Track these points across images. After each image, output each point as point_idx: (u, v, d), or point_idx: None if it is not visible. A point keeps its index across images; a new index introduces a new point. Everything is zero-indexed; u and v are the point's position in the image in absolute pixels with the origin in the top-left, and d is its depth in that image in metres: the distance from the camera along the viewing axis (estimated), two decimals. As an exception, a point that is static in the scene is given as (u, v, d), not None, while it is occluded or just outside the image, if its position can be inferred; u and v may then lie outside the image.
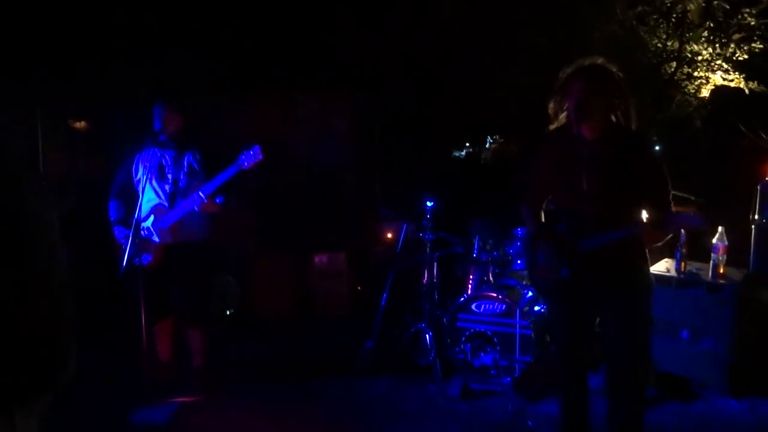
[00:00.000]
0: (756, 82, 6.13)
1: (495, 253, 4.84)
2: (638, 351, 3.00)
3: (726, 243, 4.17)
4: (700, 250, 4.50)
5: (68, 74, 7.23)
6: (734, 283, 4.07)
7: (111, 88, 7.12)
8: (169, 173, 4.17)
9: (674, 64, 6.54)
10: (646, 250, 3.00)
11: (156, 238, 4.13)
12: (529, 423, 3.82)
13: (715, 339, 4.08)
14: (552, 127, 3.10)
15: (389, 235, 6.79)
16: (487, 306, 4.42)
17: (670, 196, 2.90)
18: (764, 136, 5.82)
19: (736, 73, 6.22)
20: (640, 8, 6.38)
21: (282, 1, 7.94)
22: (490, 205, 6.23)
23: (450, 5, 7.64)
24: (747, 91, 6.18)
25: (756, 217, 4.35)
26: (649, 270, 3.06)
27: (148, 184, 4.14)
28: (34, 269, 1.37)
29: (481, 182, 10.04)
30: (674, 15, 6.38)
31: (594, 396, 3.31)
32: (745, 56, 6.15)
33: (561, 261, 2.95)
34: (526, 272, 4.79)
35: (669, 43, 6.51)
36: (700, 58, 6.44)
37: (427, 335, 4.67)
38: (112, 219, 4.25)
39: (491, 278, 4.76)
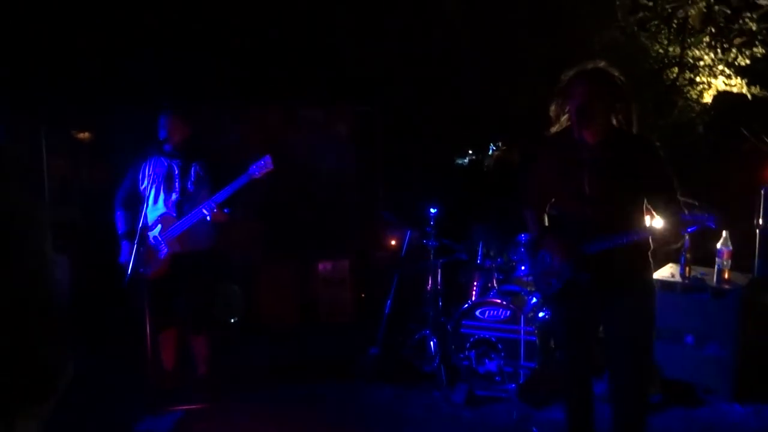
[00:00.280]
0: (758, 87, 6.12)
1: (499, 259, 4.84)
2: (641, 356, 3.00)
3: (730, 248, 4.16)
4: (704, 255, 4.49)
5: (72, 83, 7.26)
6: (739, 288, 4.06)
7: (114, 97, 7.15)
8: (177, 182, 4.18)
9: (676, 69, 6.53)
10: (650, 255, 3.00)
11: (164, 248, 4.13)
12: (534, 429, 3.81)
13: (720, 344, 4.08)
14: (553, 130, 3.10)
15: (393, 242, 6.79)
16: (492, 312, 4.42)
17: (678, 194, 2.87)
18: (767, 140, 5.81)
19: (738, 78, 6.21)
20: (641, 14, 6.38)
21: (284, 9, 7.97)
22: (494, 212, 6.23)
23: (452, 13, 7.67)
24: (749, 96, 6.17)
25: (760, 221, 4.36)
26: (652, 275, 3.06)
27: (154, 194, 4.15)
28: (23, 275, 1.37)
29: (484, 189, 10.04)
30: (675, 21, 6.38)
31: (599, 402, 3.30)
32: (747, 61, 6.14)
33: (566, 264, 2.95)
34: (529, 278, 4.79)
35: (670, 49, 6.51)
36: (701, 63, 6.44)
37: (431, 342, 4.67)
38: (119, 232, 4.25)
39: (495, 284, 4.77)
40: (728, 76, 6.24)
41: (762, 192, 4.35)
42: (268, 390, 4.59)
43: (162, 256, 4.15)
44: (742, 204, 4.71)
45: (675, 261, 4.53)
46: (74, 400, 4.31)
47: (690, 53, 6.40)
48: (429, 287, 4.82)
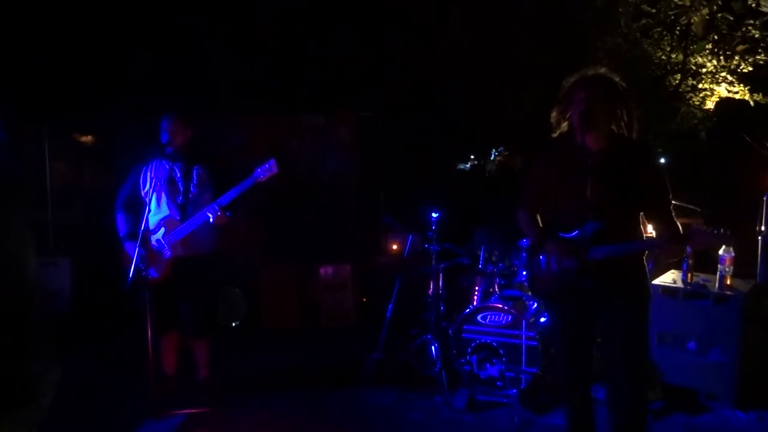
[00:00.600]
0: (760, 94, 6.14)
1: (500, 264, 4.84)
2: (638, 361, 3.00)
3: (732, 254, 4.16)
4: (706, 262, 4.49)
5: (74, 88, 7.30)
6: (741, 294, 4.05)
7: (116, 101, 7.18)
8: (179, 185, 4.19)
9: (679, 76, 6.56)
10: (644, 259, 3.00)
11: (167, 251, 4.13)
12: (536, 435, 3.81)
13: (722, 350, 4.07)
14: (554, 136, 3.10)
15: (394, 247, 6.80)
16: (493, 317, 4.42)
17: (671, 206, 2.92)
18: (769, 147, 5.82)
19: (741, 84, 6.23)
20: (644, 21, 6.41)
21: (288, 15, 8.00)
22: (495, 217, 6.24)
23: (455, 21, 7.69)
24: (752, 102, 6.19)
25: (762, 228, 4.36)
26: (647, 279, 3.06)
27: (156, 197, 4.15)
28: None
29: (486, 194, 10.05)
30: (678, 27, 6.40)
31: (599, 407, 3.30)
32: (750, 68, 6.17)
33: (564, 268, 2.94)
34: (526, 281, 4.79)
35: (673, 56, 6.54)
36: (704, 70, 6.46)
37: (432, 346, 4.67)
38: (121, 234, 4.25)
39: (497, 289, 4.76)
40: (731, 83, 6.26)
41: (765, 199, 4.35)
42: (269, 394, 4.58)
43: (165, 259, 4.15)
44: (744, 210, 4.71)
45: (677, 267, 4.53)
46: (75, 404, 4.33)
47: (693, 60, 6.42)
48: (431, 292, 4.82)
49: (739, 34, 6.08)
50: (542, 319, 4.45)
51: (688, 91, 6.58)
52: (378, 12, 8.11)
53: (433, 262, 4.81)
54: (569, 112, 2.96)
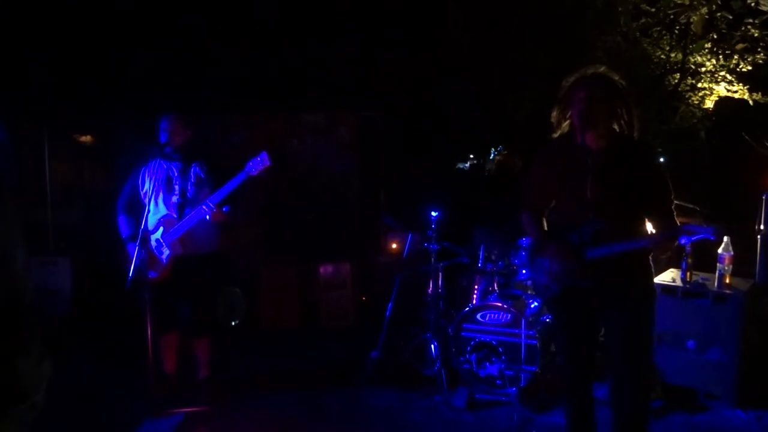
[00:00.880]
0: (760, 93, 6.14)
1: (500, 263, 4.84)
2: (642, 361, 3.00)
3: (732, 253, 4.17)
4: (706, 261, 4.50)
5: (74, 88, 7.30)
6: (740, 293, 4.06)
7: (116, 102, 7.19)
8: (176, 184, 4.20)
9: (678, 75, 6.56)
10: (650, 259, 3.00)
11: (167, 250, 4.14)
12: (535, 433, 3.81)
13: (722, 349, 4.07)
14: (554, 135, 3.10)
15: (394, 246, 6.80)
16: (493, 316, 4.42)
17: (673, 206, 2.92)
18: (768, 146, 5.83)
19: (740, 84, 6.23)
20: (643, 20, 6.41)
21: (289, 15, 8.00)
22: (495, 216, 6.24)
23: (455, 20, 7.69)
24: (751, 102, 6.19)
25: (762, 227, 4.36)
26: (653, 279, 3.06)
27: (155, 196, 4.16)
28: None
29: (485, 193, 10.05)
30: (677, 27, 6.40)
31: (599, 406, 3.30)
32: (749, 67, 6.17)
33: (565, 270, 2.95)
34: (530, 282, 4.79)
35: (672, 55, 6.54)
36: (703, 69, 6.46)
37: (432, 345, 4.67)
38: (123, 236, 4.26)
39: (496, 288, 4.77)
40: (730, 82, 6.26)
41: (764, 198, 4.35)
42: (268, 393, 4.58)
43: (164, 259, 4.15)
44: (743, 209, 4.71)
45: (676, 266, 4.53)
46: (75, 403, 4.34)
47: (692, 59, 6.43)
48: (430, 291, 4.82)
49: (739, 33, 6.08)
50: (542, 318, 4.45)
51: (687, 91, 6.59)
52: (378, 11, 8.12)
53: (433, 261, 4.81)
54: (569, 112, 2.96)
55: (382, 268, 6.61)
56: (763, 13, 5.78)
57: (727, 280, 4.16)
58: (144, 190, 4.21)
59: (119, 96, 7.26)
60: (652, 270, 3.03)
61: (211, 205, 4.02)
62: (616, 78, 2.93)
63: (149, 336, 3.96)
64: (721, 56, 6.28)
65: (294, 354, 5.54)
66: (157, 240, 4.17)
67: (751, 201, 4.52)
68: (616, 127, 2.92)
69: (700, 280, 4.27)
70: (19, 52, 6.75)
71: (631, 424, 3.01)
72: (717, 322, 4.09)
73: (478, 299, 4.86)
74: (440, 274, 4.90)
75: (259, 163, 4.03)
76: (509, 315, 4.37)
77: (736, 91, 6.28)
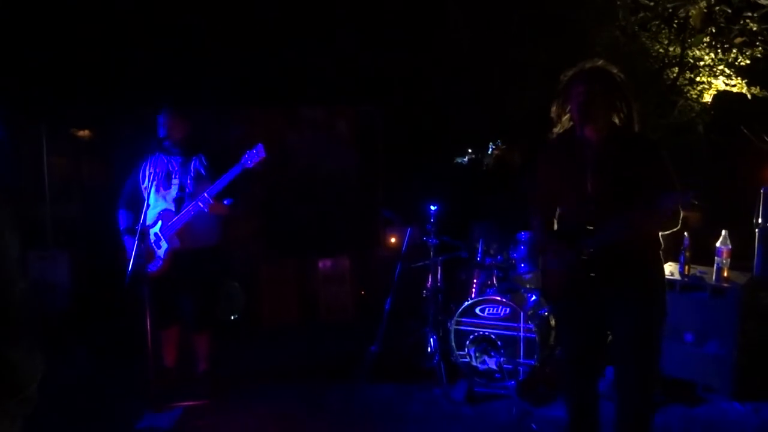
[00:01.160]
0: (758, 87, 6.14)
1: (499, 257, 4.85)
2: (649, 354, 2.98)
3: (730, 246, 4.18)
4: (704, 254, 4.51)
5: (72, 82, 7.28)
6: (738, 286, 4.07)
7: (114, 95, 7.17)
8: (175, 178, 4.20)
9: (676, 69, 6.56)
10: (661, 252, 2.97)
11: (165, 244, 4.14)
12: (533, 426, 3.82)
13: (720, 342, 4.09)
14: (555, 130, 3.10)
15: (393, 240, 6.81)
16: (492, 310, 4.43)
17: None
18: (767, 140, 5.83)
19: (738, 78, 6.23)
20: (642, 14, 6.40)
21: (287, 8, 7.98)
22: (493, 210, 6.25)
23: (454, 14, 7.69)
24: (749, 96, 6.19)
25: (760, 221, 4.37)
26: (662, 273, 3.03)
27: (154, 191, 4.16)
28: None
29: (483, 187, 10.06)
30: (676, 21, 6.40)
31: (601, 400, 3.30)
32: (747, 61, 6.16)
33: (569, 266, 2.93)
34: (528, 276, 4.81)
35: (671, 49, 6.53)
36: (702, 63, 6.45)
37: (431, 339, 4.68)
38: (121, 228, 4.27)
39: (495, 282, 4.78)
40: (728, 76, 6.26)
41: (762, 192, 4.36)
42: (268, 387, 4.59)
43: (163, 253, 4.16)
44: (741, 203, 4.72)
45: (674, 259, 4.54)
46: (75, 397, 4.35)
47: (690, 53, 6.42)
48: (429, 285, 4.83)
49: (737, 27, 6.07)
50: (540, 311, 4.47)
51: (686, 85, 6.58)
52: (377, 7, 8.10)
53: (432, 255, 4.82)
54: (568, 106, 2.96)
55: (381, 262, 6.61)
56: (762, 6, 5.78)
57: (725, 274, 4.17)
58: (144, 185, 4.21)
59: (117, 90, 7.25)
60: (663, 265, 3.01)
61: (208, 197, 4.02)
62: (615, 71, 2.93)
63: (149, 330, 3.97)
64: (719, 50, 6.27)
65: (293, 348, 5.55)
66: (155, 234, 4.17)
67: (750, 195, 4.53)
68: (615, 120, 2.92)
69: (698, 274, 4.28)
70: (16, 47, 6.74)
71: (635, 419, 3.00)
72: (715, 315, 4.11)
73: (476, 293, 4.87)
74: (439, 268, 4.90)
75: (255, 156, 4.03)
76: (508, 309, 4.38)
77: (734, 85, 6.28)
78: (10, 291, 1.43)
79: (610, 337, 3.11)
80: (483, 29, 7.58)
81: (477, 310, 4.48)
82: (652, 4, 6.26)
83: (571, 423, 3.24)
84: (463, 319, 4.51)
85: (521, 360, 4.33)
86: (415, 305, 5.12)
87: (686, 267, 4.32)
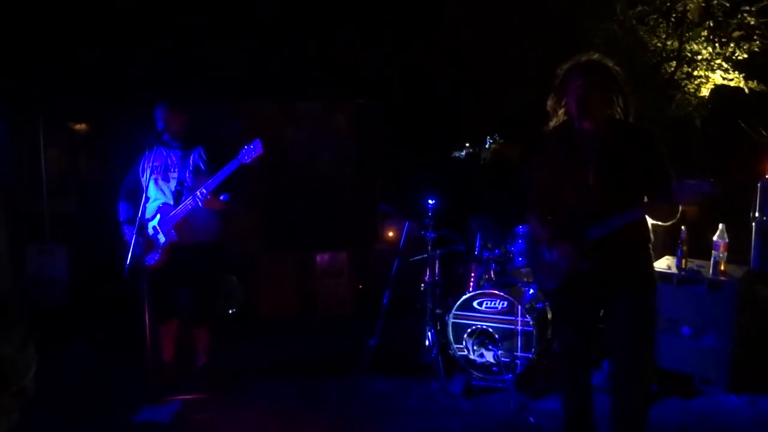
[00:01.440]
0: (756, 81, 6.14)
1: (496, 251, 4.86)
2: (643, 349, 3.01)
3: (727, 240, 4.19)
4: (701, 248, 4.52)
5: (69, 76, 7.26)
6: (735, 280, 4.09)
7: (112, 89, 7.16)
8: (174, 172, 4.20)
9: (674, 63, 6.55)
10: (650, 247, 3.01)
11: (162, 237, 4.15)
12: (531, 419, 3.84)
13: (716, 336, 4.11)
14: (551, 124, 3.11)
15: (391, 234, 6.82)
16: (489, 303, 4.44)
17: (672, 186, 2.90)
18: (765, 134, 5.84)
19: (736, 72, 6.22)
20: (639, 8, 6.39)
21: (284, 6, 7.96)
22: (491, 204, 6.26)
23: (452, 8, 7.67)
24: (747, 90, 6.19)
25: (756, 215, 4.38)
26: (653, 267, 3.06)
27: (153, 184, 4.16)
28: None
29: (481, 181, 10.07)
30: (674, 14, 6.38)
31: (597, 392, 3.32)
32: (745, 55, 6.15)
33: (567, 258, 2.94)
34: (526, 270, 4.81)
35: (669, 43, 6.52)
36: (699, 57, 6.44)
37: (429, 333, 4.69)
38: (120, 219, 4.28)
39: (493, 276, 4.79)
40: (726, 70, 6.25)
41: (759, 186, 4.38)
42: (266, 381, 4.60)
43: (160, 246, 4.16)
44: (738, 197, 4.73)
45: (672, 253, 4.55)
46: (74, 390, 4.35)
47: (688, 47, 6.41)
48: (427, 278, 4.84)
49: (735, 20, 6.06)
50: (538, 305, 4.48)
51: (683, 79, 6.57)
52: (375, 2, 8.10)
53: (430, 248, 4.83)
54: (565, 99, 2.97)
55: (379, 256, 6.62)
56: (760, 0, 5.78)
57: (722, 267, 4.19)
58: (143, 178, 4.21)
59: (114, 84, 7.24)
60: (653, 258, 3.05)
61: (205, 192, 4.02)
62: (611, 64, 2.94)
63: (147, 323, 3.98)
64: (717, 44, 6.26)
65: (291, 342, 5.56)
66: (153, 227, 4.18)
67: (747, 189, 4.54)
68: (612, 112, 2.93)
69: (696, 267, 4.30)
70: (13, 41, 6.72)
71: (630, 411, 3.03)
72: (712, 308, 4.13)
73: (474, 287, 4.87)
74: (437, 261, 4.91)
75: (252, 151, 4.02)
76: (505, 302, 4.39)
77: (732, 80, 6.28)
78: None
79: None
80: (481, 22, 7.57)
81: (475, 304, 4.49)
82: (650, -3, 6.26)
83: (567, 416, 3.26)
84: (461, 313, 4.52)
85: (519, 353, 4.34)
86: (413, 299, 5.12)
87: (683, 261, 4.33)
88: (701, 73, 6.46)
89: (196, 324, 4.42)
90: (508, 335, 4.38)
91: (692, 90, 6.58)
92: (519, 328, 4.35)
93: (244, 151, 4.02)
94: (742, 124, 5.83)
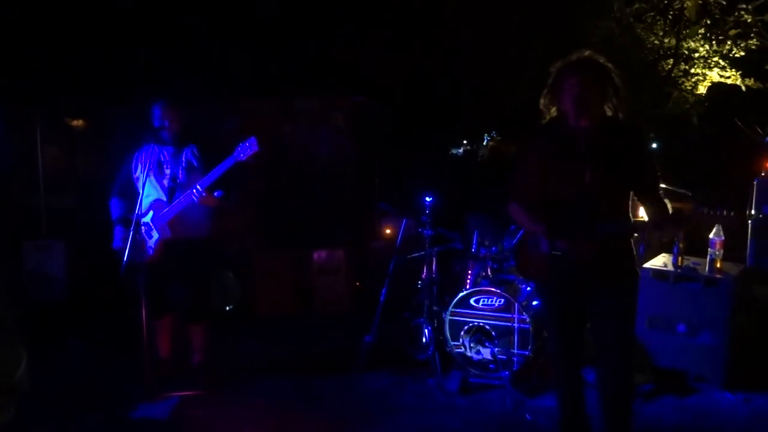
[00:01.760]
0: (752, 79, 6.16)
1: (493, 248, 4.86)
2: (627, 343, 3.05)
3: (722, 238, 4.20)
4: (697, 245, 4.53)
5: (67, 73, 7.26)
6: (731, 277, 4.10)
7: (109, 86, 7.16)
8: (167, 169, 4.20)
9: (671, 61, 6.57)
10: (633, 243, 3.05)
11: (156, 233, 4.15)
12: (527, 416, 3.85)
13: (712, 333, 4.12)
14: (543, 122, 3.11)
15: (388, 231, 6.82)
16: (486, 301, 4.45)
17: (659, 186, 2.99)
18: (761, 132, 5.85)
19: (733, 69, 6.24)
20: (637, 5, 6.40)
21: (282, 4, 7.96)
22: (488, 202, 6.25)
23: (450, 6, 7.67)
24: (743, 87, 6.21)
25: (752, 212, 4.39)
26: (636, 262, 3.10)
27: (147, 181, 4.16)
28: None
29: (478, 178, 10.07)
30: (671, 12, 6.40)
31: (590, 390, 3.33)
32: (742, 53, 6.17)
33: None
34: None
35: (666, 41, 6.54)
36: (696, 55, 6.46)
37: (425, 330, 4.70)
38: (113, 218, 4.27)
39: (489, 273, 4.79)
40: (723, 68, 6.27)
41: (754, 183, 4.39)
42: (263, 378, 4.60)
43: (154, 242, 4.16)
44: (734, 194, 4.74)
45: (668, 251, 4.56)
46: (71, 387, 4.35)
47: (685, 45, 6.43)
48: (424, 276, 4.84)
49: (732, 18, 6.08)
50: (534, 303, 4.49)
51: (681, 76, 6.60)
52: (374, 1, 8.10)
53: (427, 246, 4.83)
54: (559, 98, 2.97)
55: (376, 253, 6.62)
56: (756, -2, 5.79)
57: (718, 265, 4.19)
58: (137, 175, 4.21)
59: (112, 80, 7.23)
60: (635, 253, 3.08)
61: (200, 189, 4.03)
62: (602, 61, 2.95)
63: (144, 319, 3.98)
64: (714, 42, 6.28)
65: (288, 339, 5.56)
66: (146, 223, 4.18)
67: (742, 186, 4.55)
68: (607, 110, 2.94)
69: (692, 265, 4.30)
70: (11, 38, 6.71)
71: (617, 406, 3.07)
72: (708, 306, 4.14)
73: (471, 284, 4.88)
74: (434, 259, 4.91)
75: (247, 148, 4.02)
76: (502, 300, 4.40)
77: (728, 77, 6.29)
78: None
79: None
80: (480, 20, 7.57)
81: (472, 301, 4.49)
82: (647, -5, 6.27)
83: (562, 412, 3.29)
84: (458, 310, 4.53)
85: (515, 350, 4.35)
86: (410, 296, 5.13)
87: (680, 258, 4.34)
88: (698, 70, 6.49)
89: (191, 320, 4.42)
90: (505, 332, 4.39)
91: (689, 87, 6.60)
92: (516, 325, 4.36)
93: (239, 148, 4.02)
94: (739, 123, 5.84)
